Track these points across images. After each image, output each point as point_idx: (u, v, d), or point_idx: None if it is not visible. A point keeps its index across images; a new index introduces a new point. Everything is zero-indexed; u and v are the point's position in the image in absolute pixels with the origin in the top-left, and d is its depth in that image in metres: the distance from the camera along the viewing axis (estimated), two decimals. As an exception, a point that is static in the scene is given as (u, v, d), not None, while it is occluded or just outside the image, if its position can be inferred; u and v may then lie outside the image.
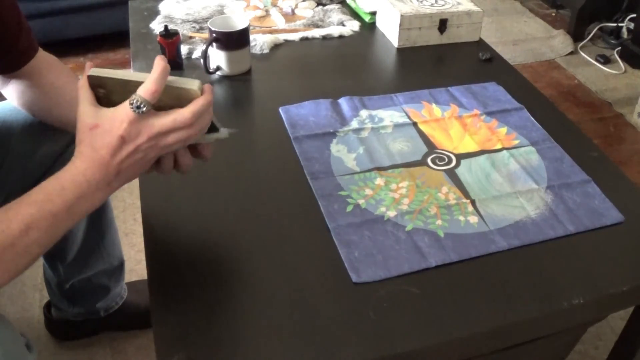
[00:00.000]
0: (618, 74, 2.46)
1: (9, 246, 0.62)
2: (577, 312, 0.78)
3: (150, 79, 0.66)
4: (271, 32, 1.41)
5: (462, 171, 0.99)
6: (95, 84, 0.71)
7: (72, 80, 0.93)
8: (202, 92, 0.70)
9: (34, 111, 0.96)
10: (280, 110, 1.12)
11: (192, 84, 0.70)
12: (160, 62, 0.67)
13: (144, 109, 0.66)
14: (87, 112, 0.68)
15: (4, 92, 0.95)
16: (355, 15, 1.52)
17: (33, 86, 0.92)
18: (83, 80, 0.71)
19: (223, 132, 0.78)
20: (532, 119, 1.13)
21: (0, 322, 0.74)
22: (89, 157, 0.67)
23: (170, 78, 0.69)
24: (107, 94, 0.71)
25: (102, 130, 0.67)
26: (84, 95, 0.70)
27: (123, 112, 0.67)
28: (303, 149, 1.02)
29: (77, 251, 1.18)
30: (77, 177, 0.66)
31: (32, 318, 1.39)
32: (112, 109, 0.68)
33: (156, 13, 1.46)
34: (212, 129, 0.76)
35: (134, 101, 0.66)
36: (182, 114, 0.68)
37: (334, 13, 1.50)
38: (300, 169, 0.98)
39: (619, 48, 2.57)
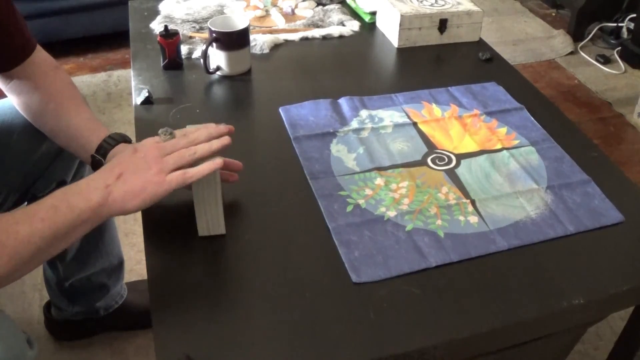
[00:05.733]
0: (618, 74, 2.46)
1: (12, 233, 0.66)
2: (577, 312, 0.78)
3: (193, 129, 0.80)
4: (271, 32, 1.41)
5: (462, 171, 0.99)
6: None
7: (61, 90, 0.94)
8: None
9: (28, 116, 0.96)
10: (280, 110, 1.12)
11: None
12: (218, 161, 0.77)
13: (167, 136, 0.77)
14: None
15: (5, 91, 0.95)
16: (355, 15, 1.52)
17: (26, 91, 0.93)
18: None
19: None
20: (532, 119, 1.13)
21: (1, 318, 0.74)
22: (103, 168, 0.75)
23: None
24: None
25: (128, 146, 0.80)
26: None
27: (151, 138, 0.79)
28: (303, 149, 1.02)
29: (77, 250, 1.18)
30: (81, 181, 0.73)
31: (32, 318, 1.39)
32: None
33: (156, 13, 1.46)
34: None
35: (165, 130, 0.78)
36: (185, 137, 0.78)
37: (334, 13, 1.50)
38: (300, 169, 0.98)
39: (619, 48, 2.57)
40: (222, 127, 0.81)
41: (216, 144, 0.78)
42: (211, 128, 0.80)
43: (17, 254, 0.66)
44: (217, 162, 0.76)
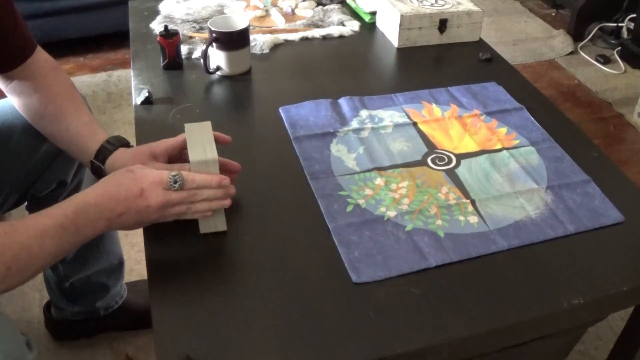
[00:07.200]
0: (618, 74, 2.46)
1: (26, 247, 0.68)
2: (577, 312, 0.78)
3: (202, 177, 0.78)
4: (271, 32, 1.41)
5: (462, 171, 0.99)
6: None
7: (60, 92, 0.94)
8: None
9: (28, 118, 0.96)
10: (280, 110, 1.12)
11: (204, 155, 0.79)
12: (221, 179, 0.79)
13: (176, 186, 0.76)
14: (138, 164, 0.80)
15: (6, 92, 0.95)
16: (355, 15, 1.52)
17: (27, 92, 0.93)
18: (176, 140, 0.86)
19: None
20: (532, 119, 1.13)
21: (1, 320, 0.74)
22: (108, 189, 0.75)
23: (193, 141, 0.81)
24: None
25: (133, 175, 0.76)
26: (151, 152, 0.85)
27: (160, 175, 0.76)
28: (303, 149, 1.02)
29: (77, 250, 1.17)
30: (89, 201, 0.74)
31: (32, 318, 1.39)
32: (153, 170, 0.78)
33: (156, 13, 1.46)
34: None
35: (175, 177, 0.76)
36: (190, 193, 0.77)
37: (334, 13, 1.50)
38: (300, 169, 0.98)
39: (619, 48, 2.57)
40: (229, 187, 0.82)
41: (216, 205, 0.81)
42: (220, 191, 0.80)
43: (27, 268, 0.69)
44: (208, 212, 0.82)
